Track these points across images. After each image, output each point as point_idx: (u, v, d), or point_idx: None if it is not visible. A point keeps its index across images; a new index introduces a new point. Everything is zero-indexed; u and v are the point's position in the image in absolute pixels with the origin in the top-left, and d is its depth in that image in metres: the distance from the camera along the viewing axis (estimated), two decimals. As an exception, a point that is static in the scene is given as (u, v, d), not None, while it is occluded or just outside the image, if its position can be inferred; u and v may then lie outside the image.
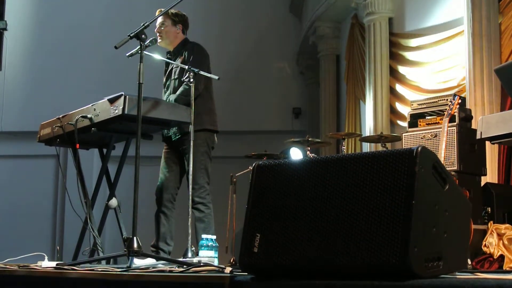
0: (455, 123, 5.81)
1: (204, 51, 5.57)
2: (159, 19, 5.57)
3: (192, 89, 4.85)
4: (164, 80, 5.69)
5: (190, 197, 4.85)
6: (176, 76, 5.52)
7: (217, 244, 4.44)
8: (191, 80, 4.86)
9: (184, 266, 3.50)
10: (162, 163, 5.61)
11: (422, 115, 6.23)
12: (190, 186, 4.85)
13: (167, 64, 5.67)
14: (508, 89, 5.32)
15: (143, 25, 4.03)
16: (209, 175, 5.46)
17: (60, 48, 12.94)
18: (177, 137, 5.46)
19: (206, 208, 5.35)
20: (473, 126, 5.96)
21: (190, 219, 4.78)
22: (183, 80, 5.08)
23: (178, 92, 5.34)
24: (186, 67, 5.00)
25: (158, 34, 5.57)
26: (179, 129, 5.39)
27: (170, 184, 5.54)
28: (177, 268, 3.51)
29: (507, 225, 5.34)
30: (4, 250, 6.57)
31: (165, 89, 5.64)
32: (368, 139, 7.74)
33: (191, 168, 4.83)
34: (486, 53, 7.03)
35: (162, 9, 5.06)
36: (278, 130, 12.65)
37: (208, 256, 4.27)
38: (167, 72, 5.67)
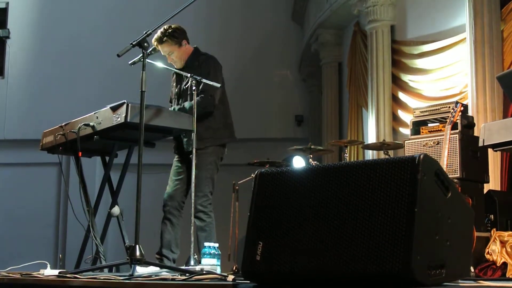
0: (458, 131, 5.81)
1: (217, 63, 5.51)
2: (164, 50, 5.44)
3: (194, 98, 4.85)
4: (177, 90, 5.63)
5: (193, 205, 4.84)
6: (194, 90, 5.46)
7: (220, 252, 4.44)
8: (193, 88, 4.86)
9: (187, 274, 3.50)
10: (172, 171, 5.60)
11: (424, 123, 6.23)
12: (193, 194, 4.84)
13: (177, 74, 5.61)
14: (510, 96, 5.32)
15: (146, 33, 4.04)
16: (214, 185, 5.46)
17: (62, 56, 12.96)
18: (190, 149, 5.42)
19: (208, 217, 5.34)
20: (475, 133, 5.96)
21: (192, 227, 4.78)
22: (198, 91, 5.07)
23: (193, 102, 5.31)
24: (189, 75, 5.01)
25: (173, 63, 5.53)
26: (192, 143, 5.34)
27: (178, 192, 5.53)
28: (179, 276, 3.51)
29: (510, 232, 5.34)
30: (6, 258, 6.56)
31: (180, 102, 5.55)
32: (371, 147, 7.73)
33: (193, 177, 4.82)
34: (488, 60, 7.03)
35: (156, 36, 5.06)
36: (280, 138, 12.64)
37: (210, 264, 4.26)
38: (184, 84, 5.57)
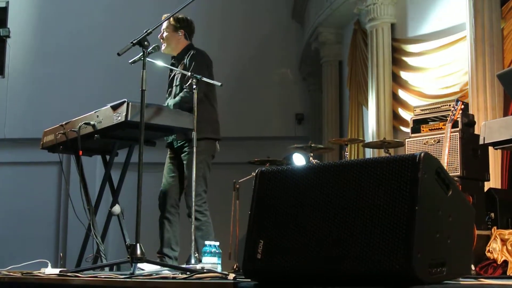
0: (458, 129, 5.81)
1: (205, 58, 5.56)
2: (163, 26, 5.58)
3: (195, 96, 4.84)
4: (168, 86, 5.70)
5: (193, 204, 4.83)
6: (177, 83, 5.52)
7: (220, 251, 4.44)
8: (194, 86, 4.85)
9: (188, 273, 3.50)
10: (165, 168, 5.61)
11: (425, 121, 6.23)
12: (193, 193, 4.82)
13: (171, 70, 5.67)
14: (511, 94, 5.32)
15: (146, 32, 4.04)
16: (207, 183, 5.45)
17: (62, 55, 12.96)
18: (178, 144, 5.46)
19: (203, 216, 5.33)
20: (476, 132, 5.96)
21: (193, 226, 4.78)
22: (184, 87, 5.07)
23: (177, 98, 5.33)
24: (189, 73, 4.99)
25: (161, 40, 5.58)
26: (178, 136, 5.39)
27: (173, 189, 5.53)
28: (180, 275, 3.51)
29: (511, 230, 5.34)
30: (7, 257, 6.57)
31: (167, 96, 5.64)
32: (371, 145, 7.74)
33: (193, 175, 4.81)
34: (489, 58, 7.03)
35: (167, 15, 5.05)
36: (281, 136, 12.65)
37: (211, 262, 4.26)
38: (170, 78, 5.68)
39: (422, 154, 2.33)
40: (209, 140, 5.45)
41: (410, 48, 8.84)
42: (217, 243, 4.43)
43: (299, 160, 7.98)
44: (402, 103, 8.82)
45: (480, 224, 5.49)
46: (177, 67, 5.54)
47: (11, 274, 4.13)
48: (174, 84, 5.57)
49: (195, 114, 4.80)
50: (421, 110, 6.34)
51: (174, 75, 5.62)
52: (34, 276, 3.85)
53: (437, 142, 5.95)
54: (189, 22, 5.69)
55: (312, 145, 7.47)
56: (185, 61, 5.51)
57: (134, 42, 3.99)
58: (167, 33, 5.60)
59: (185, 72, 5.19)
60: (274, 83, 13.30)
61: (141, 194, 3.80)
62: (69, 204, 8.21)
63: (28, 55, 13.19)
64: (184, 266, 4.20)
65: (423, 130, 6.19)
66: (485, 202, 5.79)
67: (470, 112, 6.53)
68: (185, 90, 5.18)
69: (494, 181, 6.41)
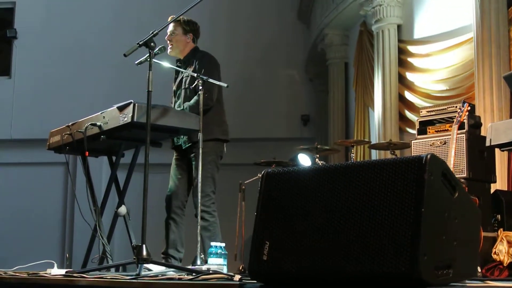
0: (464, 130, 5.80)
1: (214, 60, 5.56)
2: (170, 27, 5.56)
3: (201, 97, 4.84)
4: (175, 88, 5.69)
5: (199, 205, 4.84)
6: (186, 86, 5.52)
7: (226, 252, 4.44)
8: (200, 87, 4.86)
9: (193, 274, 3.50)
10: (172, 170, 5.61)
11: (431, 122, 6.22)
12: (199, 194, 4.83)
13: (177, 72, 5.67)
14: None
15: (152, 33, 4.04)
16: (216, 184, 5.45)
17: (69, 56, 12.99)
18: (186, 146, 5.46)
19: (211, 217, 5.34)
20: (482, 133, 5.95)
21: (199, 227, 4.78)
22: (196, 89, 5.06)
23: (193, 101, 5.33)
24: (195, 75, 5.00)
25: (168, 42, 5.57)
26: (189, 138, 5.39)
27: (180, 191, 5.53)
28: (186, 276, 3.51)
29: (517, 232, 5.32)
30: (13, 257, 6.58)
31: (176, 98, 5.63)
32: (377, 147, 7.72)
33: (199, 176, 4.82)
34: (495, 60, 7.01)
35: (174, 16, 5.06)
36: (287, 137, 12.64)
37: (217, 263, 4.26)
38: (178, 80, 5.67)
39: (428, 156, 2.32)
40: (217, 141, 5.46)
41: (416, 49, 8.83)
42: (223, 244, 4.43)
43: (305, 161, 7.98)
44: (408, 105, 8.80)
45: (486, 226, 5.48)
46: (184, 70, 5.54)
47: (17, 274, 4.14)
48: (183, 87, 5.56)
49: (201, 115, 4.81)
50: (427, 111, 6.33)
51: (182, 78, 5.61)
52: (40, 277, 3.86)
53: (443, 144, 5.94)
54: (197, 25, 5.71)
55: (318, 146, 7.47)
56: (194, 63, 5.50)
57: (140, 43, 3.99)
58: (175, 36, 5.59)
59: (194, 74, 5.18)
60: (280, 84, 13.29)
61: (147, 195, 3.81)
62: (75, 205, 8.23)
63: (34, 56, 13.21)
64: (190, 267, 4.20)
65: (429, 132, 6.18)
66: (492, 204, 5.78)
67: (477, 113, 6.52)
68: (199, 93, 5.19)
69: (500, 183, 6.40)
